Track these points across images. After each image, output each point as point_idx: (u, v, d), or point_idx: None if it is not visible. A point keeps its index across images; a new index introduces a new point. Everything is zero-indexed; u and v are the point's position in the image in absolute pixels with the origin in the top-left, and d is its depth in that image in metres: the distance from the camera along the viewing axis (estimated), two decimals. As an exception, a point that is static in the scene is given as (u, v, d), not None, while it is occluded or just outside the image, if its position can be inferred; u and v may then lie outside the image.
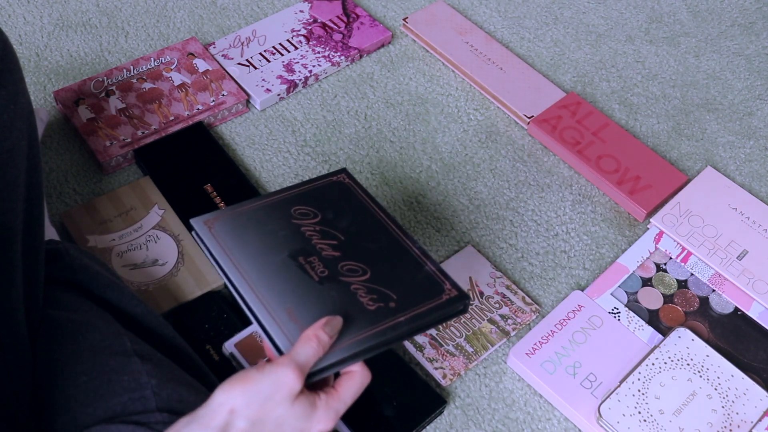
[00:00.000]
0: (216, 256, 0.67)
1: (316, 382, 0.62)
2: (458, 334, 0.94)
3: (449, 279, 0.68)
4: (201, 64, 1.17)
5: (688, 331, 0.94)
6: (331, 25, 1.27)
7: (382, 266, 0.67)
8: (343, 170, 0.78)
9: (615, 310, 0.97)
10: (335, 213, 0.72)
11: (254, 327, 0.86)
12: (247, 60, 1.20)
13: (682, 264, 1.03)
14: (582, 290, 1.00)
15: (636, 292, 1.00)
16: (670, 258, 1.03)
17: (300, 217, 0.71)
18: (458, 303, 0.66)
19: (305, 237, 0.69)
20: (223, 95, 1.14)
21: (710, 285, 1.01)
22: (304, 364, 0.57)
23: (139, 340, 0.73)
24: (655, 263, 1.03)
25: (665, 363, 0.91)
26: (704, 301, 1.00)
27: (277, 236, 0.68)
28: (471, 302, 0.68)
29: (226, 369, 0.86)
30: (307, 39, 1.24)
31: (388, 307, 0.64)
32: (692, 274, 1.02)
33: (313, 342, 0.58)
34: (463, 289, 0.67)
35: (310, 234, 0.69)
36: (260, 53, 1.21)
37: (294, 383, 0.56)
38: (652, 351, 0.92)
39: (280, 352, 0.61)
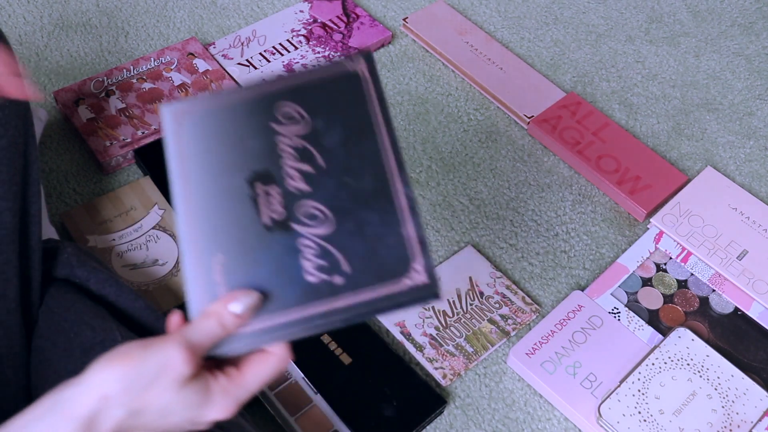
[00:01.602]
0: (170, 158, 0.56)
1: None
2: (458, 334, 0.94)
3: (425, 255, 0.52)
4: (201, 64, 1.17)
5: (688, 331, 0.94)
6: (331, 25, 1.27)
7: (352, 217, 0.53)
8: (368, 55, 0.60)
9: (615, 310, 0.97)
10: (330, 123, 0.56)
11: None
12: (247, 60, 1.20)
13: (682, 264, 1.03)
14: (582, 290, 1.00)
15: (636, 292, 1.00)
16: (670, 258, 1.03)
17: (282, 121, 0.56)
18: (423, 292, 0.51)
19: (276, 153, 0.55)
20: (223, 95, 1.14)
21: (710, 285, 1.01)
22: (198, 346, 0.47)
23: (132, 335, 0.72)
24: (655, 263, 1.03)
25: (665, 363, 0.91)
26: (704, 301, 1.00)
27: (244, 146, 0.55)
28: (438, 295, 0.51)
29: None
30: (307, 39, 1.24)
31: (331, 284, 0.51)
32: (692, 274, 1.02)
33: (212, 321, 0.48)
34: (435, 276, 0.51)
35: (283, 150, 0.55)
36: (260, 53, 1.21)
37: (182, 367, 0.46)
38: (652, 351, 0.92)
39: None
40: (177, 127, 0.56)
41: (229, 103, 0.57)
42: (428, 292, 0.51)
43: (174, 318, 0.51)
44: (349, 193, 0.54)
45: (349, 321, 0.51)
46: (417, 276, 0.51)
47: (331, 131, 0.56)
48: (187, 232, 0.53)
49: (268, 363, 0.50)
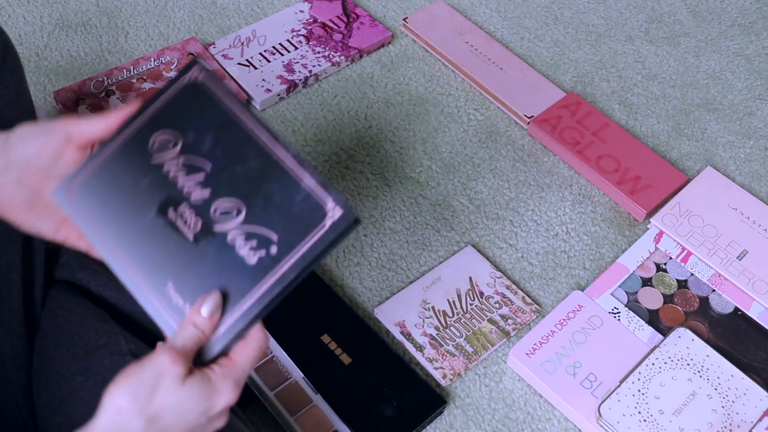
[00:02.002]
0: (85, 231, 0.60)
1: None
2: (458, 334, 0.94)
3: (331, 193, 0.58)
4: (201, 64, 1.17)
5: (688, 331, 0.94)
6: (331, 25, 1.27)
7: (257, 195, 0.59)
8: (196, 61, 0.64)
9: (615, 310, 0.97)
10: (197, 132, 0.61)
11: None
12: (247, 60, 1.20)
13: (682, 264, 1.03)
14: (582, 290, 1.00)
15: (636, 292, 1.00)
16: (670, 258, 1.03)
17: (160, 150, 0.61)
18: (343, 224, 0.57)
19: (169, 179, 0.60)
20: (223, 95, 1.14)
21: (710, 285, 1.01)
22: (183, 348, 0.53)
23: (135, 339, 0.72)
24: (655, 263, 1.03)
25: (665, 363, 0.91)
26: (704, 301, 1.00)
27: (140, 187, 0.61)
28: (358, 216, 0.58)
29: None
30: (307, 39, 1.24)
31: (269, 256, 0.57)
32: (692, 274, 1.02)
33: (189, 327, 0.54)
34: (348, 205, 0.57)
35: (174, 173, 0.60)
36: (260, 53, 1.21)
37: (175, 367, 0.52)
38: (652, 351, 0.92)
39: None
40: (73, 200, 0.61)
41: (106, 158, 0.62)
42: (348, 220, 0.57)
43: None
44: (244, 177, 0.60)
45: (299, 275, 0.57)
46: (333, 212, 0.57)
47: (201, 139, 0.61)
48: (131, 280, 0.59)
49: (251, 344, 0.56)
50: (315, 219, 0.57)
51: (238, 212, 0.59)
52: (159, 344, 0.54)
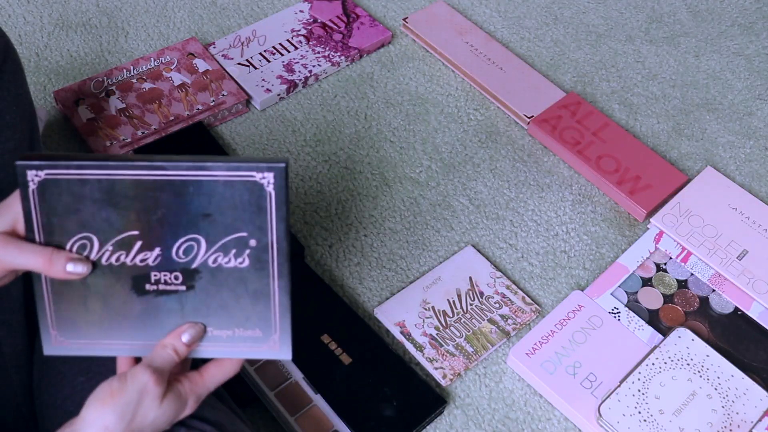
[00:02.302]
0: (102, 354, 0.61)
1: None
2: (458, 334, 0.94)
3: (251, 167, 0.56)
4: (201, 64, 1.17)
5: (688, 331, 0.94)
6: (331, 25, 1.27)
7: (195, 220, 0.58)
8: (19, 166, 0.56)
9: (615, 310, 0.97)
10: (95, 217, 0.58)
11: None
12: (247, 60, 1.20)
13: (682, 264, 1.03)
14: (582, 290, 1.00)
15: (636, 292, 1.00)
16: (670, 258, 1.03)
17: (86, 253, 0.59)
18: (281, 178, 0.57)
19: (117, 266, 0.59)
20: (223, 95, 1.14)
21: (710, 285, 1.01)
22: (161, 369, 0.57)
23: None
24: (655, 263, 1.03)
25: (665, 363, 0.91)
26: (704, 301, 1.00)
27: (103, 292, 0.60)
28: (287, 162, 0.57)
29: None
30: (307, 39, 1.24)
31: (254, 248, 0.58)
32: (692, 274, 1.02)
33: (168, 350, 0.58)
34: (270, 161, 0.56)
35: (116, 259, 0.59)
36: (260, 53, 1.21)
37: (156, 387, 0.56)
38: (652, 351, 0.92)
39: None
40: (69, 346, 0.61)
41: (52, 297, 0.60)
42: (281, 173, 0.57)
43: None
44: (170, 216, 0.58)
45: (288, 240, 0.59)
46: (267, 179, 0.57)
47: (106, 218, 0.58)
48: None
49: (223, 368, 0.61)
50: (258, 196, 0.57)
51: (197, 243, 0.58)
52: (140, 364, 0.57)
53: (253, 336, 0.60)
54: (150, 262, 0.59)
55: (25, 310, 0.72)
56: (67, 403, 0.67)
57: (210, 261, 0.59)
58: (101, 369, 0.68)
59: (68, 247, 0.58)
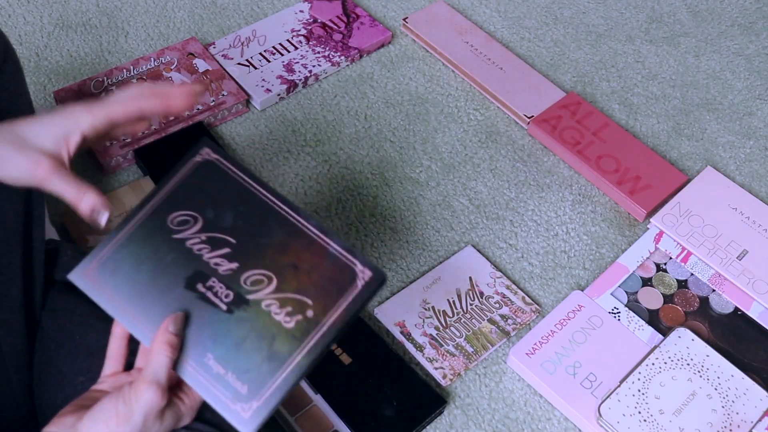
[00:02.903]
0: (111, 311, 0.60)
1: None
2: (458, 334, 0.94)
3: (358, 257, 0.60)
4: (201, 64, 1.17)
5: (688, 331, 0.94)
6: (331, 25, 1.27)
7: (286, 264, 0.61)
8: (204, 142, 0.65)
9: (615, 310, 0.97)
10: (215, 209, 0.63)
11: None
12: (247, 60, 1.20)
13: (682, 264, 1.03)
14: (582, 290, 1.00)
15: (636, 292, 1.00)
16: (670, 258, 1.03)
17: (181, 228, 0.62)
18: (375, 283, 0.60)
19: (194, 254, 0.61)
20: (223, 95, 1.14)
21: (710, 285, 1.01)
22: (162, 378, 0.57)
23: (135, 339, 0.73)
24: (655, 263, 1.03)
25: (665, 363, 0.91)
26: (704, 301, 1.00)
27: (165, 264, 0.61)
28: (386, 276, 0.61)
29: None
30: (307, 39, 1.24)
31: (306, 318, 0.59)
32: (692, 274, 1.02)
33: (162, 353, 0.57)
34: (376, 266, 0.60)
35: (199, 248, 0.61)
36: (260, 53, 1.21)
37: (160, 404, 0.56)
38: (652, 351, 0.92)
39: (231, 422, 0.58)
40: (93, 283, 0.61)
41: (122, 239, 0.62)
42: (378, 280, 0.60)
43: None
44: (270, 248, 0.61)
45: (337, 335, 0.59)
46: (364, 273, 0.60)
47: (221, 215, 0.62)
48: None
49: None
50: (347, 281, 0.60)
51: (269, 281, 0.60)
52: (143, 380, 0.56)
53: (239, 390, 0.58)
54: (221, 270, 0.60)
55: (25, 309, 0.72)
56: (67, 403, 0.67)
57: (265, 303, 0.59)
58: (101, 370, 0.68)
59: (171, 217, 0.62)
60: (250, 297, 0.60)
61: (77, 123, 0.60)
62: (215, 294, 0.60)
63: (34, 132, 0.59)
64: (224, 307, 0.59)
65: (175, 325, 0.58)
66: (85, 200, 0.59)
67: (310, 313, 0.59)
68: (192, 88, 0.63)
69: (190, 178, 0.63)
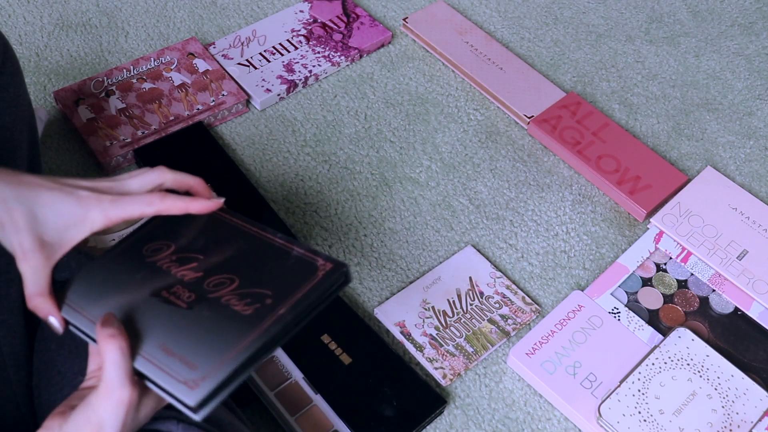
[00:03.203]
0: (90, 332, 0.61)
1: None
2: (458, 334, 0.94)
3: (321, 254, 0.62)
4: (201, 64, 1.17)
5: (688, 331, 0.94)
6: (331, 25, 1.27)
7: (249, 269, 0.62)
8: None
9: (615, 310, 0.97)
10: (188, 237, 0.66)
11: None
12: (247, 60, 1.20)
13: (682, 264, 1.03)
14: (582, 290, 1.00)
15: (636, 292, 1.00)
16: (670, 258, 1.03)
17: (154, 254, 0.65)
18: (336, 274, 0.60)
19: (163, 270, 0.63)
20: (223, 95, 1.14)
21: (710, 285, 1.01)
22: (121, 375, 0.55)
23: None
24: (655, 263, 1.03)
25: (665, 363, 0.91)
26: (704, 301, 1.00)
27: (134, 281, 0.63)
28: (349, 269, 0.61)
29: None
30: (307, 39, 1.24)
31: (264, 305, 0.59)
32: (692, 274, 1.02)
33: (109, 350, 0.56)
34: (338, 260, 0.61)
35: (167, 266, 0.64)
36: (260, 53, 1.21)
37: (129, 399, 0.55)
38: (652, 351, 0.92)
39: (179, 401, 0.57)
40: (73, 309, 0.63)
41: (99, 265, 0.66)
42: (340, 271, 0.60)
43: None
44: (235, 259, 0.63)
45: (294, 320, 0.59)
46: (325, 266, 0.61)
47: (193, 241, 0.65)
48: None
49: None
50: (308, 272, 0.60)
51: (231, 282, 0.61)
52: (101, 388, 0.55)
53: (188, 369, 0.57)
54: (186, 278, 0.62)
55: (24, 310, 0.72)
56: (66, 403, 0.67)
57: (224, 298, 0.60)
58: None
59: (146, 247, 0.65)
60: (211, 295, 0.61)
61: (90, 223, 0.60)
62: (177, 297, 0.61)
63: (44, 215, 0.59)
64: (185, 305, 0.60)
65: (107, 322, 0.57)
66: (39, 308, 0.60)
67: (268, 301, 0.59)
68: (211, 195, 0.65)
69: (166, 218, 0.66)
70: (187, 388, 0.55)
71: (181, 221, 0.66)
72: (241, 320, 0.58)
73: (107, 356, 0.55)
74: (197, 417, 0.55)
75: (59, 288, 0.76)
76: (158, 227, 0.67)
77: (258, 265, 0.62)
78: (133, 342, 0.59)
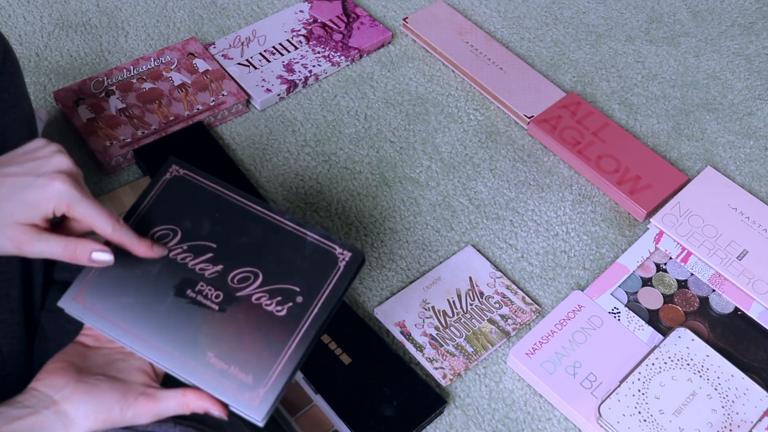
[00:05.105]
0: (108, 332, 0.62)
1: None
2: (458, 334, 0.94)
3: (336, 241, 0.65)
4: (201, 64, 1.17)
5: (688, 331, 0.94)
6: (331, 25, 1.27)
7: (269, 260, 0.64)
8: (171, 160, 0.69)
9: (615, 310, 0.97)
10: (192, 220, 0.66)
11: None
12: (247, 60, 1.20)
13: (682, 264, 1.03)
14: (582, 290, 1.00)
15: (636, 292, 1.00)
16: (670, 258, 1.03)
17: (161, 242, 0.65)
18: (356, 262, 0.64)
19: (179, 263, 0.64)
20: (223, 95, 1.14)
21: (710, 285, 1.01)
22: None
23: None
24: (655, 263, 1.03)
25: (665, 363, 0.91)
26: (704, 301, 1.00)
27: (152, 277, 0.63)
28: (365, 255, 0.65)
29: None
30: (307, 39, 1.24)
31: (296, 304, 0.62)
32: (692, 274, 1.02)
33: (184, 405, 0.59)
34: (353, 246, 0.65)
35: (182, 257, 0.64)
36: (260, 53, 1.21)
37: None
38: (652, 351, 0.92)
39: (245, 414, 0.60)
40: (85, 308, 0.63)
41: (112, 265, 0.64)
42: (358, 259, 0.64)
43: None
44: (250, 247, 0.65)
45: (329, 316, 0.62)
46: (344, 254, 0.64)
47: (199, 223, 0.66)
48: (172, 363, 0.61)
49: (201, 402, 0.61)
50: (329, 264, 0.64)
51: (255, 277, 0.63)
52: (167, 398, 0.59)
53: (244, 381, 0.60)
54: (207, 273, 0.63)
55: (24, 310, 0.72)
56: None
57: (254, 297, 0.62)
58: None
59: (151, 233, 0.64)
60: (240, 294, 0.62)
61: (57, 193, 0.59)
62: (205, 296, 0.62)
63: (7, 210, 0.58)
64: (216, 307, 0.62)
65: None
66: (78, 252, 0.59)
67: (299, 299, 0.62)
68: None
69: (163, 195, 0.67)
70: (250, 403, 0.59)
71: (178, 199, 0.66)
72: (279, 324, 0.61)
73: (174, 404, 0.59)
74: (261, 424, 0.59)
75: (60, 288, 0.76)
76: (154, 209, 0.66)
77: (277, 255, 0.64)
78: (176, 353, 0.60)
